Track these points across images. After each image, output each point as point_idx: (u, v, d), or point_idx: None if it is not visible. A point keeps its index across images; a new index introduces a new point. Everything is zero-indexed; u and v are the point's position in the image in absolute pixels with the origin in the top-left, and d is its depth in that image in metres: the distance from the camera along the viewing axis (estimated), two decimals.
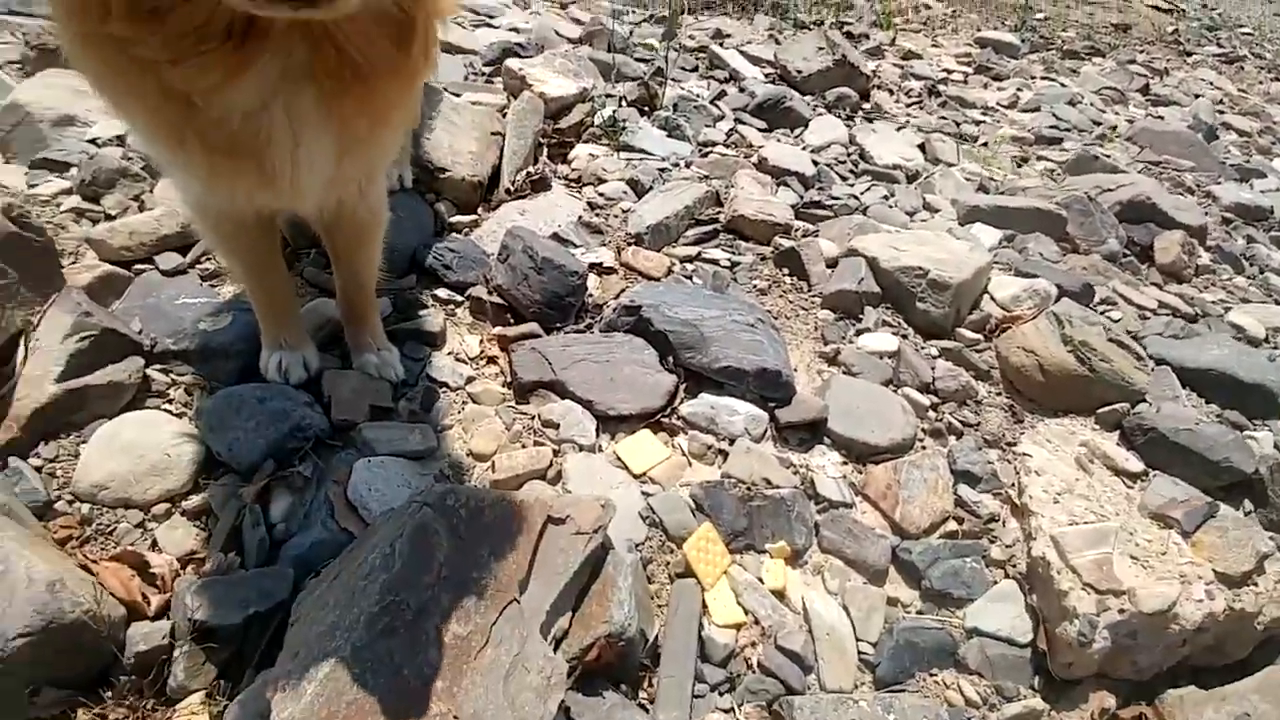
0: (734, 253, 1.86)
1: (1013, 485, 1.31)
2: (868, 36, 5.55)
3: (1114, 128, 4.20)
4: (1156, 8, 12.89)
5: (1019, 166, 3.50)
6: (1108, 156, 3.62)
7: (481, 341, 1.51)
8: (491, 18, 3.78)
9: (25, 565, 0.92)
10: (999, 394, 1.51)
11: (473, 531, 0.95)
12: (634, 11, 4.99)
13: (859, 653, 1.11)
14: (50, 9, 0.75)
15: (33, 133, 1.93)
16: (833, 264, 1.79)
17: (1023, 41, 6.42)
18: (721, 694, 1.04)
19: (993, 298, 1.75)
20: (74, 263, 1.49)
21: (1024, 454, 1.35)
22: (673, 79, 3.25)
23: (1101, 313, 1.90)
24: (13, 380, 1.18)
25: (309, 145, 0.83)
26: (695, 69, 3.70)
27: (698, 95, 3.15)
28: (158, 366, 1.31)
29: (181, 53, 0.69)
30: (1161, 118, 4.76)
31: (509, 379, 1.42)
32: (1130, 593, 1.09)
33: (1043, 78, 5.38)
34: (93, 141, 1.96)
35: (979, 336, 1.62)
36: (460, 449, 1.29)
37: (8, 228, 1.23)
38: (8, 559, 0.92)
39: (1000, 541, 1.25)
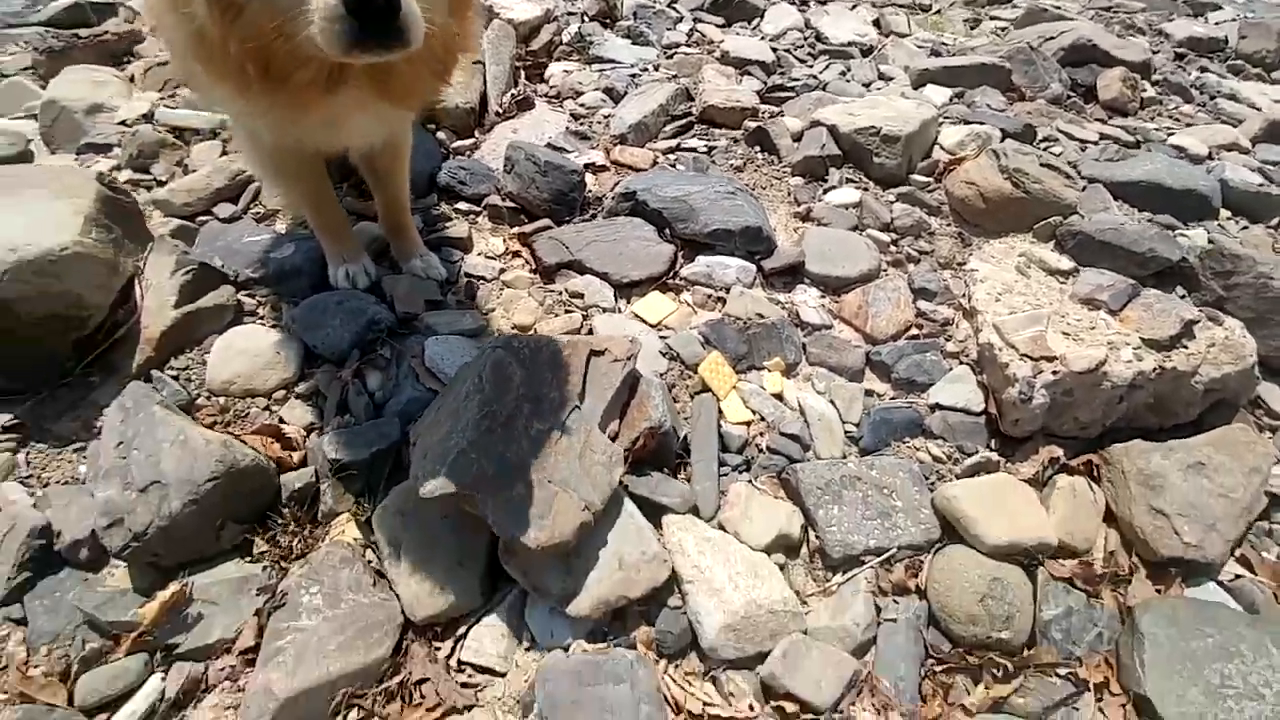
0: (709, 139, 2.07)
1: (963, 295, 1.58)
2: None
3: None
4: None
5: (971, 29, 3.58)
6: (1057, 8, 3.66)
7: (505, 240, 1.75)
8: None
9: (199, 434, 1.21)
10: (949, 225, 1.75)
11: (535, 363, 1.23)
12: None
13: (845, 432, 1.40)
14: (202, 77, 1.11)
15: (69, 123, 2.13)
16: (798, 137, 2.00)
17: None
18: (740, 472, 1.34)
19: (941, 146, 1.97)
20: (148, 222, 1.72)
21: (971, 270, 1.61)
22: None
23: (1044, 149, 2.11)
24: (136, 313, 1.45)
25: (366, 118, 1.16)
26: None
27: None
28: (244, 292, 1.57)
29: (296, 99, 1.01)
30: None
31: (534, 266, 1.67)
32: (1062, 358, 1.37)
33: None
34: (123, 123, 2.15)
35: (929, 179, 1.85)
36: (505, 324, 1.55)
37: (105, 193, 1.46)
38: (184, 431, 1.21)
39: (954, 338, 1.53)
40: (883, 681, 1.10)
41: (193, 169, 1.95)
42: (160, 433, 1.19)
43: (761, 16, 3.05)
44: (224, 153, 2.03)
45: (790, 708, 1.05)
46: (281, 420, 1.38)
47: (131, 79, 2.49)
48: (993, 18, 3.68)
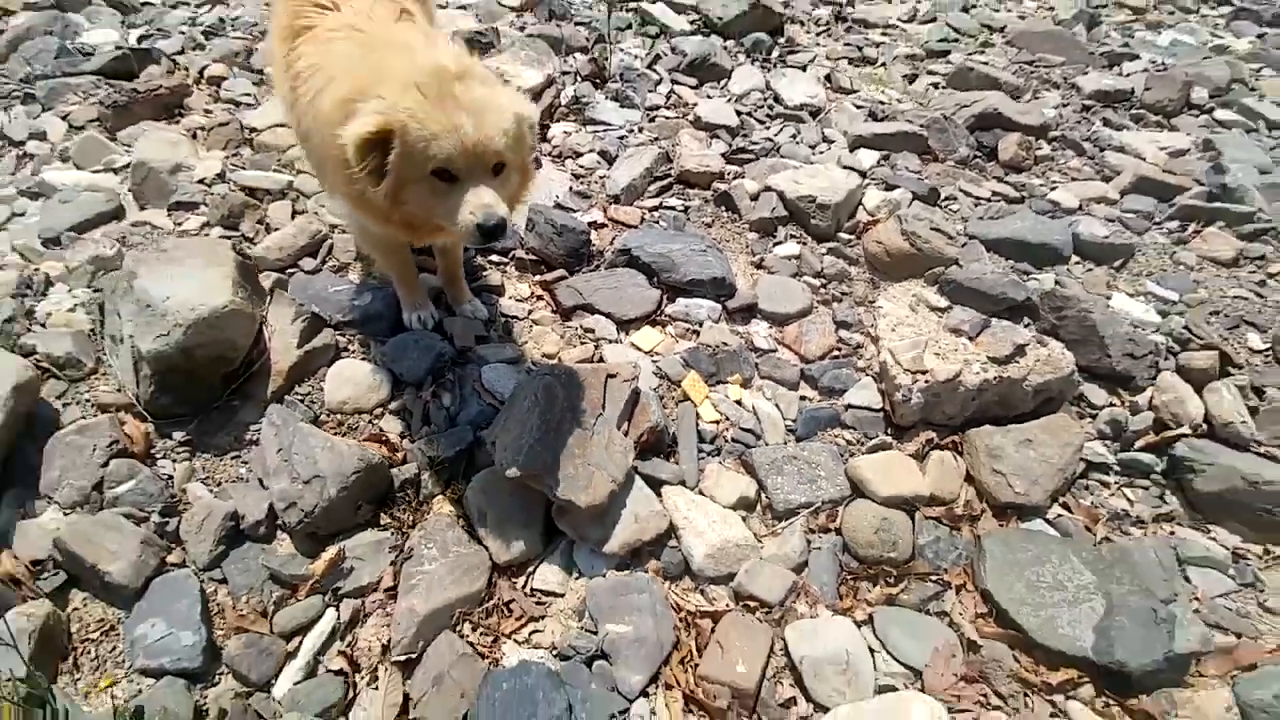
0: (685, 199, 2.63)
1: (871, 326, 2.17)
2: None
3: (1003, 28, 4.63)
4: None
5: (910, 84, 4.12)
6: (986, 64, 4.09)
7: (530, 286, 2.29)
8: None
9: (340, 441, 1.73)
10: (864, 272, 2.35)
11: (572, 385, 1.78)
12: None
13: (786, 426, 1.99)
14: (346, 203, 1.58)
15: (157, 182, 2.58)
16: (755, 197, 2.58)
17: None
18: (713, 455, 1.91)
19: (864, 208, 2.56)
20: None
21: (878, 307, 2.21)
22: (610, 40, 3.79)
23: (946, 207, 2.73)
24: (266, 352, 1.95)
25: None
26: (629, 26, 4.24)
27: (637, 57, 3.78)
28: (338, 333, 2.07)
29: (419, 237, 1.51)
30: (1052, 9, 5.10)
31: (555, 307, 2.22)
32: (931, 371, 1.97)
33: None
34: (201, 181, 2.61)
35: (852, 236, 2.45)
36: (536, 353, 2.09)
37: (238, 259, 1.95)
38: (330, 440, 1.72)
39: (864, 358, 2.13)
40: (812, 587, 1.68)
41: (274, 226, 2.43)
42: (312, 441, 1.70)
43: (729, 76, 3.60)
44: (295, 212, 2.51)
45: (753, 605, 1.63)
46: (383, 430, 1.90)
47: (194, 136, 2.94)
48: (930, 72, 4.15)
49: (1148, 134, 3.53)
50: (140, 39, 3.86)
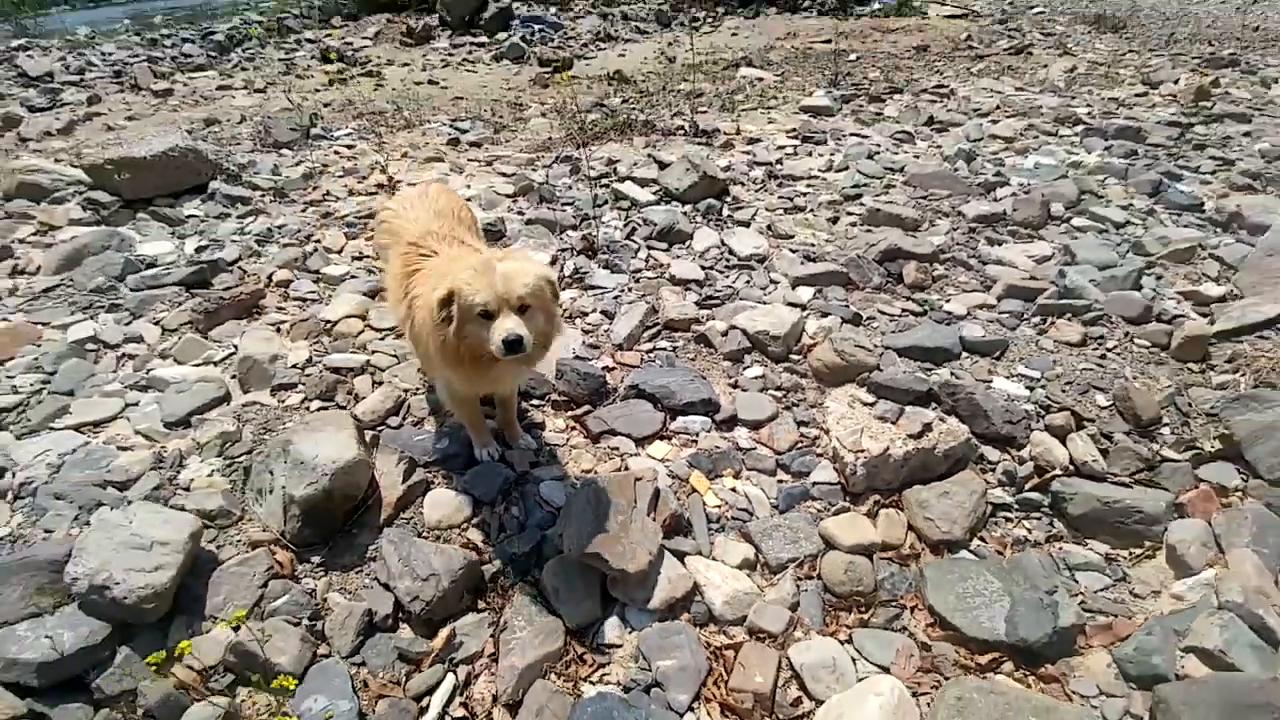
0: (672, 341, 3.45)
1: (823, 422, 2.91)
2: (719, 131, 7.21)
3: (903, 168, 5.72)
4: (952, 16, 15.15)
5: (834, 224, 5.14)
6: (890, 202, 5.14)
7: (564, 420, 3.01)
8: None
9: (446, 548, 2.34)
10: (812, 383, 3.13)
11: (609, 490, 2.45)
12: (542, 159, 6.60)
13: (770, 503, 2.65)
14: (438, 363, 2.33)
15: (259, 369, 3.32)
16: (725, 334, 3.40)
17: (834, 101, 8.17)
18: (718, 532, 2.55)
19: (806, 333, 3.40)
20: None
21: (826, 407, 2.96)
22: (594, 217, 4.79)
23: (868, 325, 3.58)
24: (377, 490, 2.60)
25: (513, 373, 2.39)
26: (606, 202, 5.30)
27: (616, 228, 4.77)
28: (440, 471, 2.74)
29: (479, 369, 2.27)
30: (940, 148, 6.27)
31: (586, 434, 2.92)
32: (868, 449, 2.68)
33: (852, 133, 6.96)
34: (294, 366, 3.36)
35: (799, 356, 3.26)
36: (576, 469, 2.77)
37: (356, 423, 2.65)
38: (439, 547, 2.34)
39: (820, 446, 2.84)
40: (805, 619, 2.27)
41: (360, 396, 3.16)
42: (426, 549, 2.32)
43: (691, 238, 4.58)
44: (375, 383, 3.26)
45: (762, 635, 2.20)
46: (470, 539, 2.52)
47: (278, 330, 3.73)
48: (849, 213, 5.12)
49: (1020, 246, 4.44)
50: (198, 249, 4.73)
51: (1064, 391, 2.96)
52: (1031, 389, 3.02)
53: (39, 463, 2.91)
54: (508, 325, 2.09)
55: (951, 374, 3.17)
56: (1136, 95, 7.95)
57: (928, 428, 2.73)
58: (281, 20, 12.42)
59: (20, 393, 3.35)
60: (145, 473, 2.78)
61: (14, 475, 2.87)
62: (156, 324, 3.83)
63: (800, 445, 2.86)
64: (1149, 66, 9.34)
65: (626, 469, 2.74)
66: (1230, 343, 3.17)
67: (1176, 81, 8.19)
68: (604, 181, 5.68)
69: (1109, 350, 3.25)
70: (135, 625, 2.23)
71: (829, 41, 11.82)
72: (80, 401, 3.24)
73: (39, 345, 3.68)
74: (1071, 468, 2.66)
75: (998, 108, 7.62)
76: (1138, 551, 2.44)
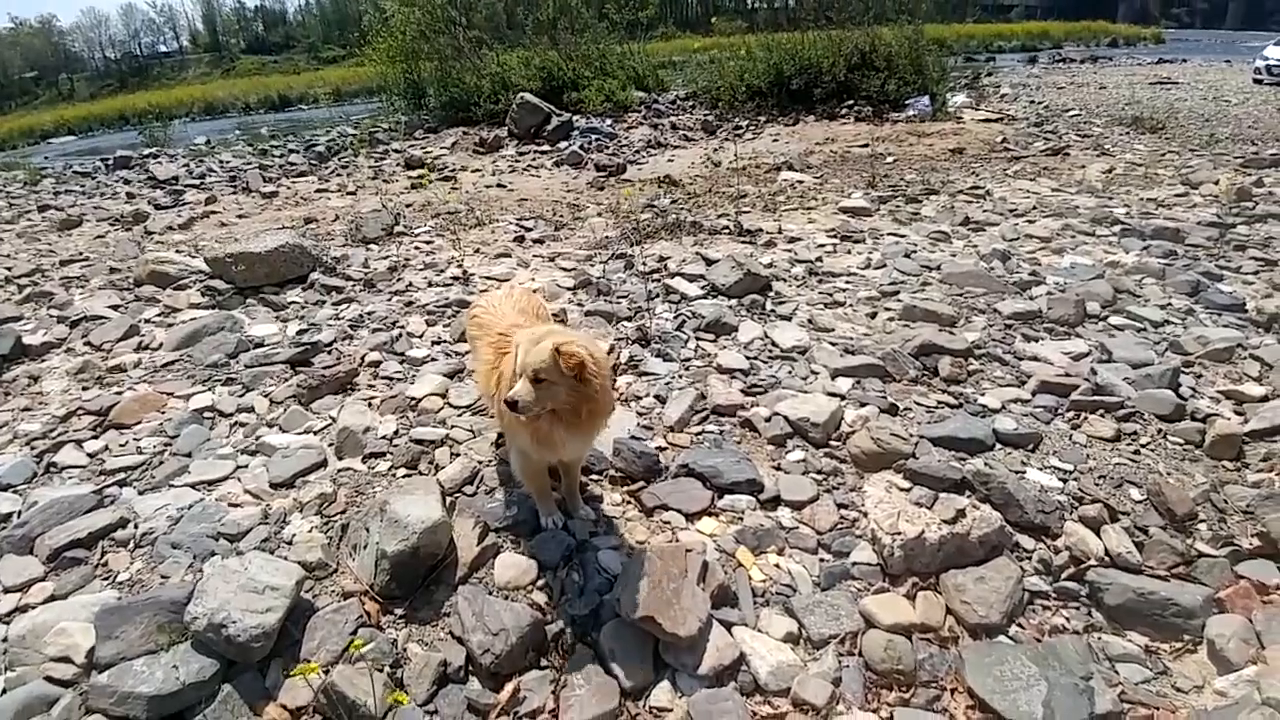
0: (720, 424, 3.74)
1: (861, 505, 3.10)
2: (762, 230, 7.71)
3: (939, 266, 6.00)
4: (987, 121, 15.72)
5: (871, 319, 5.44)
6: (927, 299, 5.42)
7: (621, 495, 3.29)
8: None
9: (517, 604, 2.60)
10: (851, 467, 3.35)
11: (664, 559, 2.69)
12: (599, 255, 7.18)
13: (813, 580, 2.82)
14: (519, 435, 2.74)
15: (354, 440, 3.74)
16: (768, 420, 3.67)
17: (871, 202, 8.62)
18: (763, 605, 2.72)
19: (845, 421, 3.65)
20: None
21: (865, 491, 3.16)
22: (648, 309, 5.22)
23: (904, 415, 3.80)
24: (455, 550, 2.89)
25: (570, 441, 2.71)
26: (658, 296, 5.75)
27: (668, 320, 5.18)
28: (509, 535, 3.03)
29: (545, 436, 2.64)
30: (976, 247, 6.52)
31: (640, 508, 3.19)
32: (904, 532, 2.85)
33: (889, 232, 7.34)
34: (383, 438, 3.78)
35: (839, 443, 3.49)
36: (631, 539, 3.02)
37: (441, 488, 3.00)
38: (509, 604, 2.60)
39: (859, 528, 3.02)
40: (847, 694, 2.40)
41: (440, 465, 3.53)
42: (498, 606, 2.58)
43: (737, 330, 4.95)
44: (453, 455, 3.63)
45: (805, 708, 2.34)
46: (534, 600, 2.76)
47: (370, 405, 4.18)
48: (886, 309, 5.46)
49: (1055, 343, 4.61)
50: (299, 332, 5.38)
51: (1097, 484, 3.09)
52: (1065, 481, 3.16)
53: (159, 515, 3.33)
54: (514, 388, 2.49)
55: (985, 463, 3.33)
56: (1176, 195, 8.10)
57: (961, 513, 2.89)
58: (373, 133, 14.05)
59: (144, 453, 3.85)
60: (254, 527, 3.16)
61: (136, 526, 3.29)
62: (266, 396, 4.35)
63: (840, 526, 3.05)
64: (1189, 167, 9.49)
65: (677, 541, 2.98)
66: (1264, 442, 3.26)
67: (1217, 182, 8.26)
68: (655, 276, 6.18)
69: (1142, 446, 3.37)
70: (239, 664, 2.52)
71: (866, 146, 12.55)
72: (198, 462, 3.70)
73: (163, 412, 4.22)
74: (1107, 558, 2.76)
75: (1034, 208, 7.89)
76: (1178, 645, 2.50)
